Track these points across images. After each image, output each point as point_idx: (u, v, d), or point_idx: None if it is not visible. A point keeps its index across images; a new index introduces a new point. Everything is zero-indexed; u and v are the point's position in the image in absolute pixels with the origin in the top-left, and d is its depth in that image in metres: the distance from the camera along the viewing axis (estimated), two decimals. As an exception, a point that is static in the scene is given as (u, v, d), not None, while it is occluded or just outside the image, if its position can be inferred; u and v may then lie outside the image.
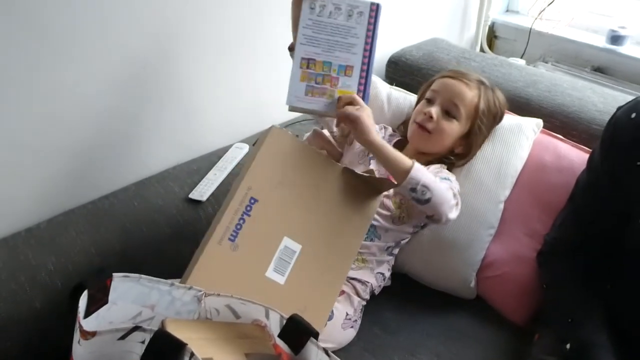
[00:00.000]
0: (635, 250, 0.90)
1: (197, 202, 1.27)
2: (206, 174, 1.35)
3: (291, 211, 0.98)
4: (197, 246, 1.19)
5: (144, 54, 1.26)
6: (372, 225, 1.11)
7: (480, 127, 1.15)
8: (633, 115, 0.91)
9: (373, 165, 1.15)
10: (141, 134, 1.35)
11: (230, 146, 1.46)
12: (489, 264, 1.19)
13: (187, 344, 0.63)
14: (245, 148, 1.44)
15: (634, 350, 0.89)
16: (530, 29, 2.01)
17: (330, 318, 1.03)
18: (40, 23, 1.08)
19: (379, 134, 1.03)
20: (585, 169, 1.06)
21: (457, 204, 1.06)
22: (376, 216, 1.11)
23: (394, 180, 1.02)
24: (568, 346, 0.91)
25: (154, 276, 1.05)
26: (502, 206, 1.19)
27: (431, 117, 1.12)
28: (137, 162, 1.36)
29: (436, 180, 1.02)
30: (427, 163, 1.16)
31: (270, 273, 0.94)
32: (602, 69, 1.90)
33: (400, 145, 1.20)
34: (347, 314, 1.08)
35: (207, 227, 1.23)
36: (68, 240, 1.16)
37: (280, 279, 0.94)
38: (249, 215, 0.94)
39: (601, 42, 1.86)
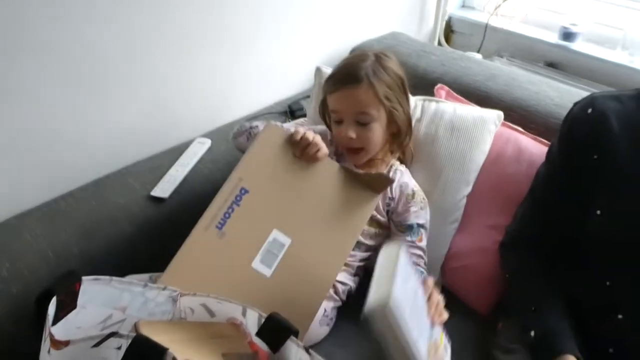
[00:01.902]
0: (594, 239, 0.93)
1: (159, 200, 1.23)
2: (168, 170, 1.31)
3: (283, 204, 0.98)
4: (162, 244, 1.17)
5: (103, 46, 1.21)
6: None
7: (394, 107, 1.11)
8: (589, 110, 0.94)
9: None
10: (99, 130, 1.29)
11: (192, 141, 1.42)
12: (454, 255, 1.21)
13: (168, 349, 0.61)
14: (208, 143, 1.41)
15: (590, 337, 0.93)
16: (487, 24, 2.06)
17: None
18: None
19: None
20: (544, 162, 1.09)
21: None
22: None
23: (390, 177, 1.04)
24: (532, 333, 0.93)
25: (120, 275, 1.02)
26: (464, 200, 1.21)
27: (351, 138, 1.08)
28: (94, 159, 1.31)
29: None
30: (384, 164, 1.17)
31: (257, 264, 0.93)
32: (554, 64, 1.96)
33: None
34: (325, 311, 1.07)
35: (171, 225, 1.22)
36: (22, 244, 1.11)
37: (267, 272, 0.94)
38: (238, 205, 0.95)
39: (554, 38, 1.92)
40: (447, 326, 1.14)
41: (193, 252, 0.90)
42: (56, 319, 0.69)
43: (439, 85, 1.40)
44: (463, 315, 1.18)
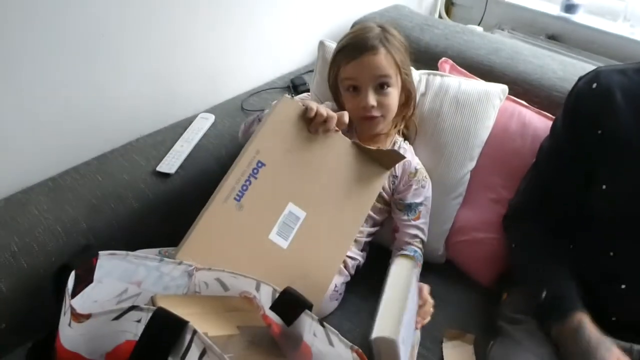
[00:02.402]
0: (598, 213, 0.95)
1: (165, 175, 1.23)
2: (172, 145, 1.31)
3: (297, 178, 0.99)
4: (168, 220, 1.19)
5: (105, 18, 1.20)
6: None
7: (407, 73, 1.14)
8: (594, 85, 0.94)
9: None
10: (102, 105, 1.28)
11: (195, 116, 1.42)
12: (458, 229, 1.23)
13: (189, 322, 0.62)
14: (211, 118, 1.41)
15: (593, 305, 0.94)
16: (488, -4, 2.04)
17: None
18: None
19: None
20: (548, 136, 1.10)
21: (425, 242, 1.17)
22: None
23: (402, 154, 1.05)
24: (544, 294, 0.95)
25: (128, 250, 1.03)
26: (468, 175, 1.22)
27: (372, 106, 1.09)
28: (97, 134, 1.30)
29: (420, 266, 1.12)
30: (388, 139, 1.18)
31: (274, 236, 0.95)
32: (556, 36, 1.95)
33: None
34: (335, 286, 1.09)
35: (178, 200, 1.23)
36: (30, 219, 1.10)
37: (284, 243, 0.95)
38: (255, 178, 0.95)
39: (555, 10, 1.92)
40: (453, 297, 1.18)
41: (212, 223, 0.91)
42: (74, 293, 0.70)
43: (443, 59, 1.40)
44: (467, 287, 1.21)
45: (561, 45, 1.90)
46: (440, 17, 2.20)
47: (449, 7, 2.27)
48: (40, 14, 1.09)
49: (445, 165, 1.21)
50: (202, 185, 1.17)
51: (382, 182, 1.07)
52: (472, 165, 1.23)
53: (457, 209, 1.23)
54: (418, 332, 1.01)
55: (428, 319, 0.99)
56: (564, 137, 1.02)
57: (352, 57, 1.09)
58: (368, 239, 1.16)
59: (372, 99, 1.08)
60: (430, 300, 1.01)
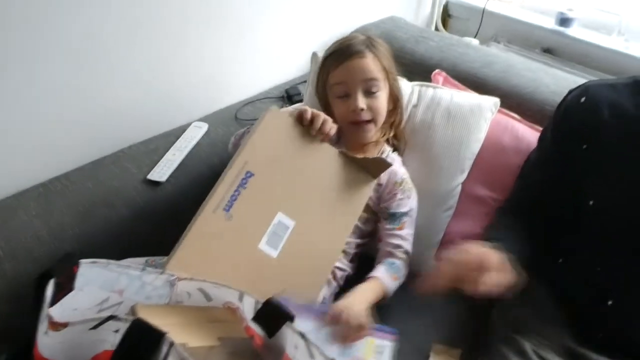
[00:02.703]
0: (585, 228, 0.95)
1: (156, 183, 1.23)
2: (164, 153, 1.31)
3: (286, 188, 1.00)
4: (158, 228, 1.18)
5: (100, 27, 1.20)
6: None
7: (395, 79, 1.15)
8: (583, 99, 0.94)
9: None
10: (95, 111, 1.29)
11: (188, 125, 1.42)
12: (448, 241, 1.21)
13: (166, 333, 0.61)
14: (205, 127, 1.41)
15: (580, 321, 0.94)
16: (484, 9, 2.05)
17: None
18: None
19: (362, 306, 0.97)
20: (535, 148, 1.09)
21: (409, 254, 1.13)
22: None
23: (388, 161, 1.06)
24: None
25: (115, 259, 1.03)
26: (459, 188, 1.22)
27: (362, 109, 1.09)
28: (90, 140, 1.30)
29: (399, 278, 1.08)
30: (376, 148, 1.18)
31: (264, 246, 0.95)
32: (551, 50, 1.96)
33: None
34: (324, 298, 1.08)
35: (168, 209, 1.22)
36: (18, 224, 1.11)
37: (273, 253, 0.95)
38: (244, 188, 0.96)
39: (550, 23, 1.92)
40: (442, 310, 1.17)
41: (202, 234, 0.91)
42: (54, 301, 0.69)
43: (437, 71, 1.40)
44: (456, 301, 1.20)
45: (556, 59, 1.91)
46: (436, 29, 2.20)
47: (445, 19, 2.27)
48: (35, 19, 1.10)
49: (436, 177, 1.20)
50: (193, 194, 1.16)
51: (370, 191, 1.07)
52: (463, 177, 1.22)
53: (447, 221, 1.23)
54: (364, 342, 0.93)
55: (363, 330, 0.92)
56: (551, 149, 1.02)
57: (340, 62, 1.10)
58: (357, 250, 1.15)
59: (361, 102, 1.09)
60: (343, 317, 0.91)
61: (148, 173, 1.25)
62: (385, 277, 1.06)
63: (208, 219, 0.92)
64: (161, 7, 1.29)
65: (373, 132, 1.14)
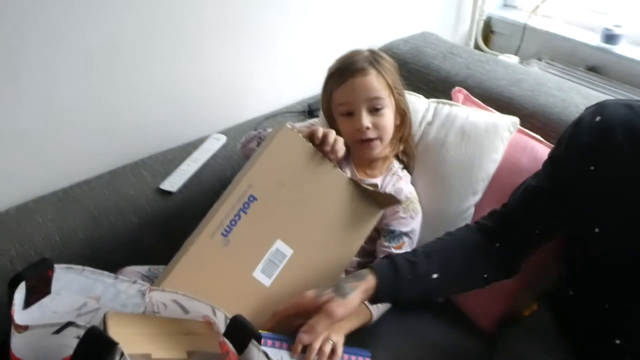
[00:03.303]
0: (591, 259, 0.88)
1: (167, 193, 1.26)
2: (180, 164, 1.33)
3: (288, 215, 0.96)
4: (165, 237, 1.20)
5: (120, 38, 1.25)
6: None
7: (400, 93, 1.12)
8: (598, 118, 0.87)
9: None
10: (119, 122, 1.34)
11: (207, 137, 1.44)
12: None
13: (117, 343, 0.61)
14: (223, 139, 1.43)
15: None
16: (525, 24, 1.97)
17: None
18: (6, 6, 1.06)
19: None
20: (545, 161, 1.01)
21: None
22: None
23: (398, 199, 1.02)
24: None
25: (120, 265, 1.05)
26: (472, 210, 1.17)
27: (367, 127, 1.06)
28: (113, 149, 1.35)
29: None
30: (385, 164, 1.15)
31: (258, 273, 0.93)
32: (596, 68, 1.85)
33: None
34: None
35: (176, 218, 1.24)
36: (33, 227, 1.16)
37: (267, 281, 0.93)
38: (245, 213, 0.93)
39: (595, 40, 1.82)
40: (449, 342, 1.11)
41: (196, 259, 0.90)
42: (28, 303, 0.71)
43: (457, 88, 1.36)
44: (465, 332, 1.14)
45: (601, 78, 1.80)
46: (476, 45, 2.14)
47: (488, 35, 2.21)
48: (57, 32, 1.16)
49: (447, 197, 1.16)
50: (201, 205, 1.16)
51: (374, 222, 1.03)
52: (475, 199, 1.17)
53: (458, 245, 1.17)
54: None
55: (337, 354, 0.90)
56: (557, 165, 0.94)
57: (342, 81, 1.08)
58: (358, 269, 1.12)
59: (366, 121, 1.06)
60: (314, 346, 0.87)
61: (161, 182, 1.28)
62: (377, 310, 1.04)
63: (205, 244, 0.91)
64: (181, 22, 1.33)
65: (380, 149, 1.11)
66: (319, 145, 0.98)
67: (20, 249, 1.10)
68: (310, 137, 0.99)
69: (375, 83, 1.07)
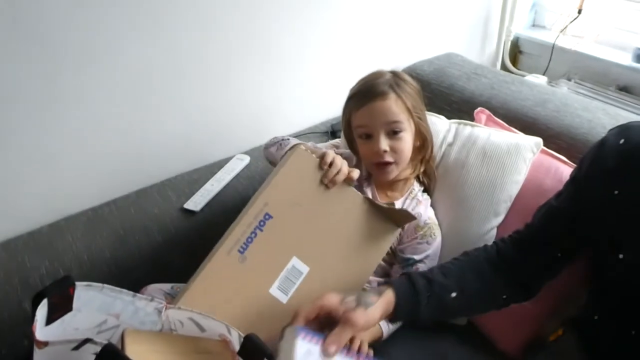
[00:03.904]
0: (616, 285, 0.85)
1: (191, 212, 1.28)
2: (204, 184, 1.36)
3: (304, 232, 0.97)
4: (188, 256, 1.22)
5: (148, 62, 1.30)
6: None
7: (421, 117, 1.11)
8: (622, 140, 0.85)
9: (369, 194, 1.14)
10: (144, 144, 1.38)
11: (232, 157, 1.47)
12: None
13: (131, 360, 0.63)
14: (247, 159, 1.45)
15: None
16: (553, 44, 1.95)
17: None
18: (43, 38, 1.12)
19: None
20: (567, 182, 0.99)
21: None
22: None
23: (414, 215, 1.02)
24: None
25: (144, 283, 1.08)
26: (494, 232, 1.15)
27: (385, 151, 1.07)
28: (140, 170, 1.39)
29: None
30: (405, 186, 1.15)
31: (274, 290, 0.94)
32: (628, 88, 1.82)
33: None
34: None
35: (198, 237, 1.26)
36: (64, 245, 1.20)
37: (284, 298, 0.94)
38: (261, 230, 0.94)
39: (627, 60, 1.78)
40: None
41: (214, 275, 0.92)
42: (50, 320, 0.74)
43: (479, 109, 1.35)
44: (491, 356, 1.11)
45: (634, 98, 1.76)
46: (504, 66, 2.13)
47: (516, 55, 2.19)
48: (91, 59, 1.21)
49: (467, 219, 1.14)
50: (223, 224, 1.18)
51: (392, 240, 1.03)
52: (497, 221, 1.15)
53: (480, 268, 1.15)
54: None
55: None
56: (580, 187, 0.92)
57: (362, 104, 1.08)
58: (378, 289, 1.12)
59: (384, 144, 1.07)
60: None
61: (185, 202, 1.30)
62: (388, 328, 1.04)
63: (222, 261, 0.92)
64: (208, 48, 1.37)
65: (395, 173, 1.11)
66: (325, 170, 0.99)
67: (49, 267, 1.14)
68: (317, 165, 1.00)
69: (394, 107, 1.07)
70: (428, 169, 1.18)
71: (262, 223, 0.95)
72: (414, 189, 1.15)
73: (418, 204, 1.13)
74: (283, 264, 0.95)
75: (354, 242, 1.00)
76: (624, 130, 0.89)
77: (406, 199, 1.14)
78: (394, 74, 1.13)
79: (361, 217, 1.00)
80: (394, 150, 1.08)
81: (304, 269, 0.96)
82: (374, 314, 0.84)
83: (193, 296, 0.90)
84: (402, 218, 1.02)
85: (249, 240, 0.94)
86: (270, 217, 0.95)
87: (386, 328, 1.03)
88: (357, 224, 1.00)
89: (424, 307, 0.88)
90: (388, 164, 1.09)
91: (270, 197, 0.96)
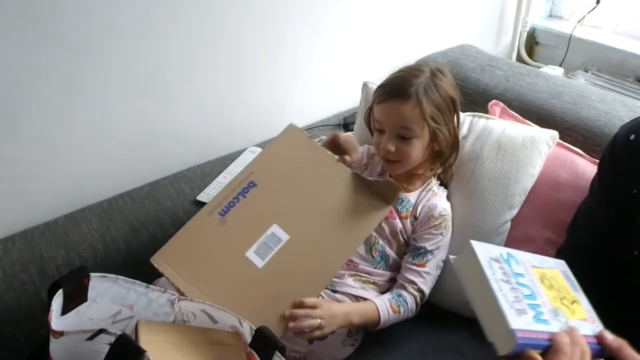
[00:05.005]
0: (635, 281, 0.84)
1: (203, 205, 1.27)
2: (217, 176, 1.37)
3: (288, 202, 1.00)
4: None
5: (162, 56, 1.30)
6: (386, 256, 1.11)
7: (440, 127, 1.08)
8: (632, 137, 0.84)
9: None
10: (158, 136, 1.39)
11: (244, 150, 1.47)
12: (494, 282, 1.14)
13: (145, 351, 0.64)
14: (258, 152, 1.45)
15: None
16: (570, 35, 1.92)
17: (332, 332, 1.02)
18: (59, 32, 1.13)
19: (340, 309, 1.00)
20: (587, 193, 0.99)
21: (424, 293, 1.08)
22: (388, 249, 1.11)
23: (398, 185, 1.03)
24: None
25: (157, 275, 1.09)
26: (508, 225, 1.14)
27: (390, 151, 1.07)
28: (154, 162, 1.40)
29: (401, 312, 1.05)
30: (420, 185, 1.15)
31: (251, 254, 0.96)
32: (646, 79, 1.79)
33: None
34: (349, 331, 1.06)
35: (211, 230, 1.27)
36: (80, 236, 1.21)
37: (260, 263, 0.95)
38: (244, 197, 0.98)
39: (645, 50, 1.75)
40: (481, 357, 1.09)
41: (192, 234, 0.96)
42: (65, 310, 0.75)
43: (493, 101, 1.33)
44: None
45: (652, 89, 1.73)
46: (519, 57, 2.10)
47: (532, 46, 2.16)
48: (107, 54, 1.22)
49: (481, 212, 1.14)
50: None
51: (381, 216, 1.04)
52: (511, 214, 1.14)
53: (493, 261, 1.15)
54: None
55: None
56: (598, 194, 0.91)
57: (383, 99, 1.08)
58: (390, 284, 1.12)
59: (390, 145, 1.07)
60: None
61: (198, 194, 1.31)
62: (383, 304, 1.03)
63: (201, 220, 0.97)
64: (220, 43, 1.37)
65: (402, 170, 1.12)
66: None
67: (66, 257, 1.16)
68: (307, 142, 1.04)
69: (409, 113, 1.05)
70: (447, 170, 1.18)
71: (245, 190, 0.99)
72: (431, 182, 1.15)
73: (434, 195, 1.13)
74: (263, 230, 0.97)
75: (339, 216, 1.01)
76: (633, 126, 0.87)
77: (421, 191, 1.14)
78: (433, 74, 1.10)
79: (348, 192, 1.02)
80: (399, 152, 1.08)
81: (284, 236, 0.97)
82: None
83: (170, 251, 0.94)
84: (389, 191, 1.03)
85: (231, 204, 0.98)
86: (255, 185, 0.99)
87: (385, 317, 1.03)
88: (344, 198, 1.02)
89: None
90: (393, 161, 1.09)
91: (257, 167, 1.01)
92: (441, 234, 1.09)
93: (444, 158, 1.14)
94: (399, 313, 1.04)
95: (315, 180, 1.01)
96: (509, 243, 1.15)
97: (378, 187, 1.02)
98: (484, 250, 0.69)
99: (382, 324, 1.03)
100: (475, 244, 0.69)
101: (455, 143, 1.14)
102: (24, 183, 1.22)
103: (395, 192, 1.03)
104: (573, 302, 0.72)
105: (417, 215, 1.11)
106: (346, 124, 1.56)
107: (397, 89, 1.08)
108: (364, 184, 1.02)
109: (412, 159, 1.09)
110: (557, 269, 0.77)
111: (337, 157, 1.04)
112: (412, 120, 1.06)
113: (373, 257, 1.10)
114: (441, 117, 1.09)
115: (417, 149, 1.08)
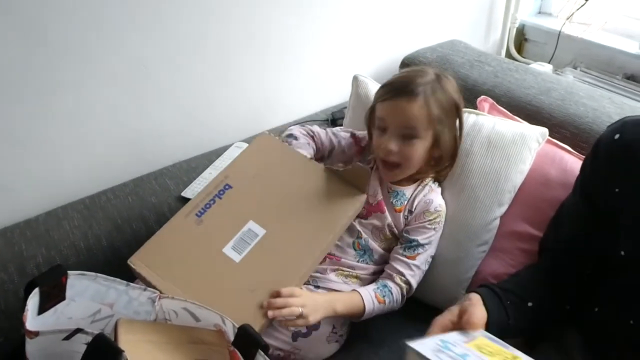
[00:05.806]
0: (617, 280, 0.84)
1: (188, 201, 1.26)
2: (202, 172, 1.34)
3: (263, 199, 1.03)
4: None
5: (145, 51, 1.27)
6: (370, 249, 1.10)
7: (443, 131, 1.07)
8: (617, 136, 0.83)
9: None
10: (143, 131, 1.36)
11: (230, 145, 1.45)
12: (482, 279, 1.13)
13: (123, 351, 0.62)
14: (244, 147, 1.43)
15: None
16: (560, 32, 1.91)
17: (316, 329, 1.01)
18: (40, 28, 1.10)
19: (323, 300, 0.99)
20: (571, 191, 0.99)
21: (411, 286, 1.07)
22: (372, 242, 1.10)
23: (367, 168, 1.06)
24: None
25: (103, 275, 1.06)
26: (497, 222, 1.13)
27: (392, 151, 1.05)
28: (136, 158, 1.37)
29: (386, 302, 1.03)
30: (414, 182, 1.13)
31: (228, 250, 0.97)
32: (635, 76, 1.78)
33: None
34: (333, 327, 1.05)
35: (196, 227, 1.24)
36: (61, 234, 1.18)
37: (237, 257, 0.97)
38: (220, 198, 1.02)
39: (634, 48, 1.75)
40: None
41: (169, 235, 0.98)
42: (42, 309, 0.73)
43: (482, 97, 1.33)
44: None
45: (640, 86, 1.73)
46: (508, 53, 2.09)
47: (521, 42, 2.16)
48: (86, 46, 1.19)
49: (471, 209, 1.13)
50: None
51: (357, 206, 1.06)
52: (501, 211, 1.13)
53: (481, 258, 1.14)
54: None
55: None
56: (581, 189, 0.92)
57: (388, 97, 1.06)
58: (374, 278, 1.10)
59: (393, 144, 1.05)
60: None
61: (183, 190, 1.29)
62: (368, 294, 1.02)
63: (178, 222, 1.00)
64: (206, 37, 1.35)
65: (399, 177, 1.10)
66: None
67: (47, 255, 1.13)
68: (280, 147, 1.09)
69: (416, 112, 1.03)
70: (442, 171, 1.16)
71: (221, 192, 1.03)
72: (426, 178, 1.15)
73: (430, 191, 1.13)
74: (239, 227, 1.00)
75: (314, 207, 1.04)
76: (619, 126, 0.87)
77: (418, 185, 1.13)
78: (438, 77, 1.08)
79: (322, 185, 1.05)
80: (401, 152, 1.06)
81: (260, 231, 0.99)
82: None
83: (147, 252, 0.97)
84: (361, 176, 1.05)
85: (207, 206, 1.02)
86: (230, 187, 1.04)
87: (370, 306, 1.02)
88: (318, 192, 1.05)
89: (511, 312, 0.86)
90: (394, 165, 1.07)
91: (231, 171, 1.06)
92: (434, 229, 1.09)
93: (442, 166, 1.13)
94: (384, 304, 1.03)
95: (288, 178, 1.05)
96: (497, 240, 1.14)
97: (350, 175, 1.05)
98: (425, 348, 0.68)
99: (367, 314, 1.02)
100: (413, 344, 0.68)
101: (455, 150, 1.13)
102: (3, 179, 1.19)
103: (365, 175, 1.06)
104: (514, 358, 0.72)
105: (413, 210, 1.10)
106: (334, 119, 1.54)
107: (404, 87, 1.06)
108: (337, 177, 1.06)
109: (412, 161, 1.07)
110: (482, 337, 0.78)
111: (308, 156, 1.09)
112: (417, 119, 1.04)
113: (355, 250, 1.09)
114: (446, 121, 1.08)
115: (419, 152, 1.06)
